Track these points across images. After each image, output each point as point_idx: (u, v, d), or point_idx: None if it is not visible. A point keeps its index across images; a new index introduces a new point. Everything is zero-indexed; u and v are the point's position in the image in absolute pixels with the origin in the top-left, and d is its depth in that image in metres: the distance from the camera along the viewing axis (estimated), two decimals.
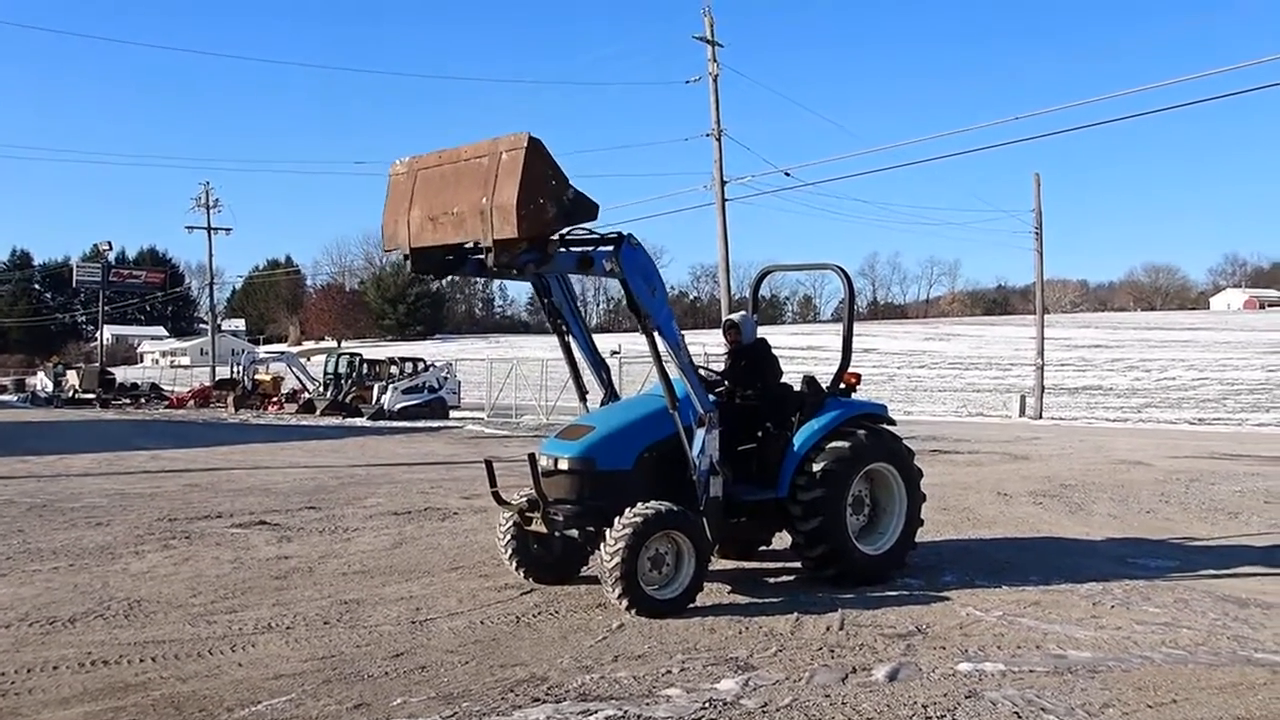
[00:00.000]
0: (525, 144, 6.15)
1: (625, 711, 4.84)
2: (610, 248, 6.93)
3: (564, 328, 7.76)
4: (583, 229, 6.83)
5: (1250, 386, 48.68)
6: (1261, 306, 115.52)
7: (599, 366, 8.02)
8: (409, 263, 6.95)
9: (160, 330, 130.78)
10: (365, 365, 40.48)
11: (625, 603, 6.64)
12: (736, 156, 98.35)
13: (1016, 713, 4.88)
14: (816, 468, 7.57)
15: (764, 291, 9.94)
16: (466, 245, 6.73)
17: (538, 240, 6.46)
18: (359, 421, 33.28)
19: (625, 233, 7.03)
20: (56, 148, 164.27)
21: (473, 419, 33.61)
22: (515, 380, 35.59)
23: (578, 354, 7.94)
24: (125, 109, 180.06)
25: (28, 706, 4.91)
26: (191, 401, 46.29)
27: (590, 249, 6.93)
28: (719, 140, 30.62)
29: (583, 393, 8.24)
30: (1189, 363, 59.75)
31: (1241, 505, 12.70)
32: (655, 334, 7.10)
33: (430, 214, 6.68)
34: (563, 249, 6.80)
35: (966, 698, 5.09)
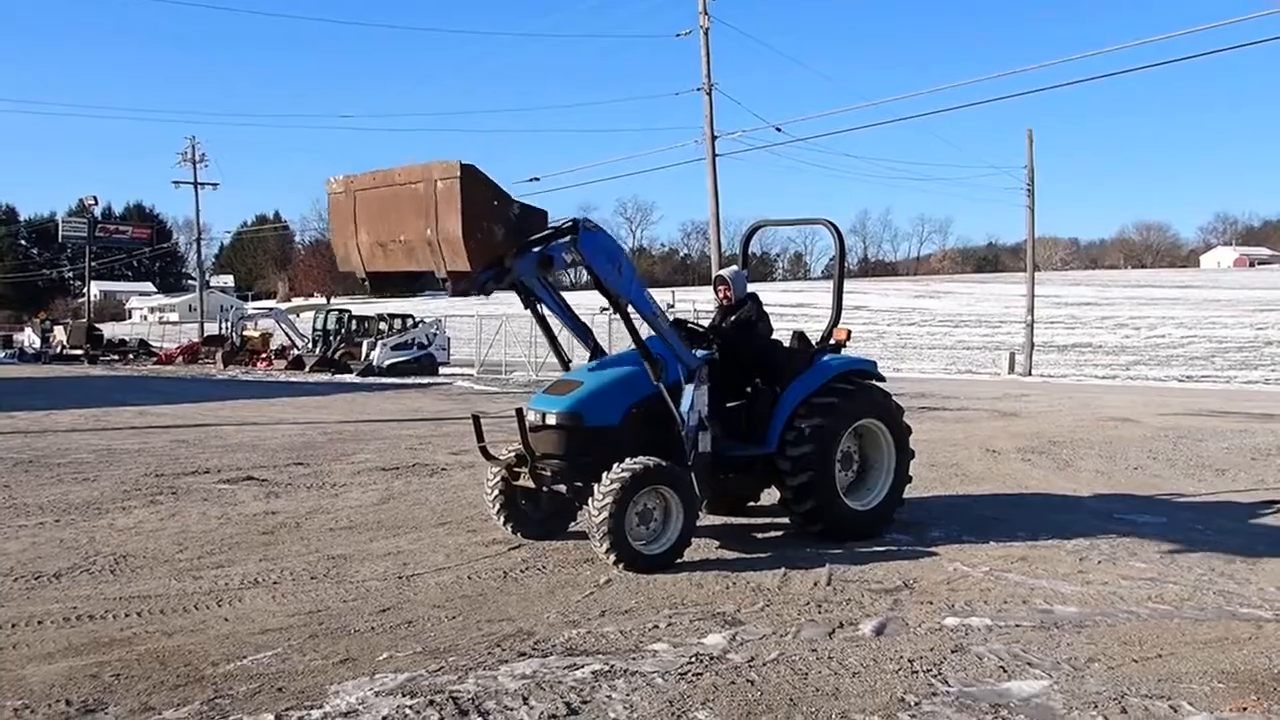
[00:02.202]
0: (458, 173, 5.89)
1: (612, 666, 4.84)
2: (566, 238, 6.66)
3: (534, 299, 7.25)
4: None
5: (1239, 344, 48.89)
6: (1251, 265, 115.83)
7: (582, 332, 7.77)
8: (367, 285, 6.85)
9: (148, 286, 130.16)
10: (354, 321, 40.36)
11: (613, 558, 6.64)
12: (728, 111, 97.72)
13: (1002, 666, 4.90)
14: (805, 424, 7.54)
15: (754, 248, 9.90)
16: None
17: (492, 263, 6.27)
18: (348, 378, 33.16)
19: (579, 217, 6.77)
20: (41, 100, 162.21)
21: (462, 375, 33.57)
22: (504, 337, 35.51)
23: (555, 322, 7.68)
24: (111, 62, 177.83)
25: (12, 661, 4.89)
26: (180, 358, 46.04)
27: (546, 246, 6.61)
28: (709, 95, 30.34)
29: (565, 364, 7.94)
30: (1178, 320, 59.95)
31: (1228, 462, 12.77)
32: (629, 310, 7.01)
33: (379, 240, 6.51)
34: (518, 254, 6.50)
35: (953, 652, 5.11)
